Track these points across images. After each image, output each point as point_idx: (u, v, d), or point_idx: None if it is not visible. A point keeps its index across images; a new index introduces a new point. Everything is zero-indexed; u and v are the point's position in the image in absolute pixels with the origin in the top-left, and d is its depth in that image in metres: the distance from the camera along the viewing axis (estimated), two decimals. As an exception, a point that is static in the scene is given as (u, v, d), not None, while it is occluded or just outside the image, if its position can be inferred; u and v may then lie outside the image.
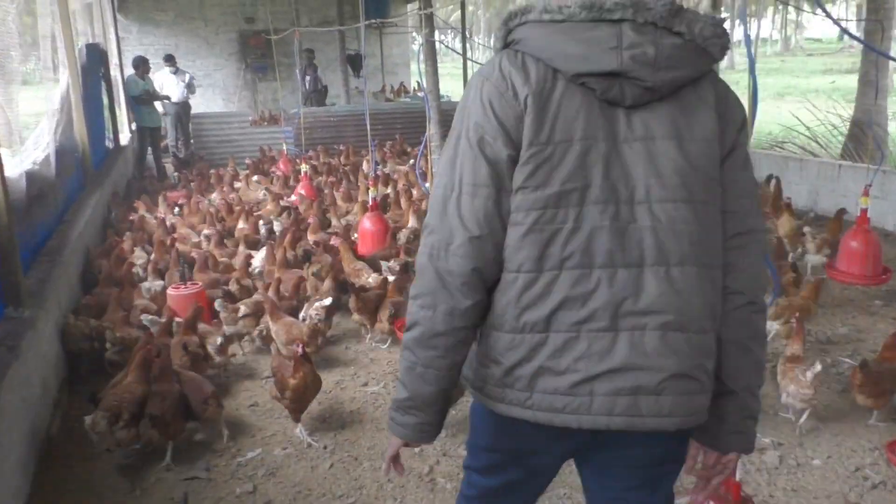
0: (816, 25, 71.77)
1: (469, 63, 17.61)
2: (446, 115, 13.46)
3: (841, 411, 4.28)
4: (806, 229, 6.62)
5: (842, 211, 6.96)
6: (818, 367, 3.98)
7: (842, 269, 5.80)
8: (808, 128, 11.87)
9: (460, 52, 16.74)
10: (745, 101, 1.96)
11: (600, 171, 1.66)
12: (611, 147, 1.67)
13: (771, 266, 2.33)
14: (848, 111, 12.30)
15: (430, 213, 1.75)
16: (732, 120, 1.74)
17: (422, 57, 9.42)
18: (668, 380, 1.65)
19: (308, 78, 15.28)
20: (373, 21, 13.01)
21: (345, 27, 15.67)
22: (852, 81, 30.41)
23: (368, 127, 7.27)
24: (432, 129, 9.71)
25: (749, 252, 1.75)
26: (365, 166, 11.02)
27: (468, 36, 20.29)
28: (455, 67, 43.28)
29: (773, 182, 8.22)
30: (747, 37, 2.13)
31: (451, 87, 28.29)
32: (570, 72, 1.67)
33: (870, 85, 11.05)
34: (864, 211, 5.76)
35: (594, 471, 1.93)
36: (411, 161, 10.40)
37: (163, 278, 6.15)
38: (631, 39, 1.65)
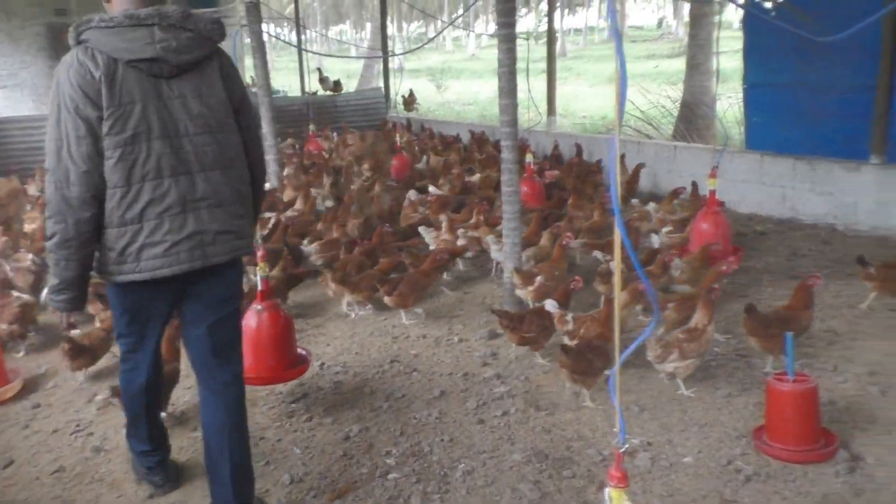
0: (637, 14, 75.93)
1: (305, 55, 16.90)
2: (282, 111, 12.71)
3: (704, 400, 4.16)
4: (651, 206, 6.74)
5: (695, 184, 7.14)
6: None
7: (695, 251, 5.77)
8: (642, 111, 12.18)
9: (295, 43, 16.03)
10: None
11: (156, 118, 2.75)
12: (160, 104, 2.76)
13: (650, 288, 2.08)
14: (677, 93, 12.78)
15: (49, 160, 2.71)
16: (235, 83, 3.02)
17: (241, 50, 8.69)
18: (216, 234, 2.88)
19: (126, 76, 13.93)
20: (196, 11, 12.07)
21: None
22: (674, 65, 32.41)
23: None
24: (265, 128, 9.01)
25: (258, 158, 3.22)
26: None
27: (303, 27, 19.46)
28: (292, 61, 42.17)
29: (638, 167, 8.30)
30: (615, 30, 1.87)
31: (290, 81, 27.28)
32: (124, 59, 2.69)
33: (697, 68, 11.48)
34: (713, 193, 5.76)
35: (192, 303, 3.03)
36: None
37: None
38: (160, 36, 2.73)
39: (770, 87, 8.23)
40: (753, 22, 8.29)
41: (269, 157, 9.24)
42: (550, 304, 4.62)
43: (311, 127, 11.85)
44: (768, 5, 7.99)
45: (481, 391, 4.40)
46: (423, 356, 4.95)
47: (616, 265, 2.33)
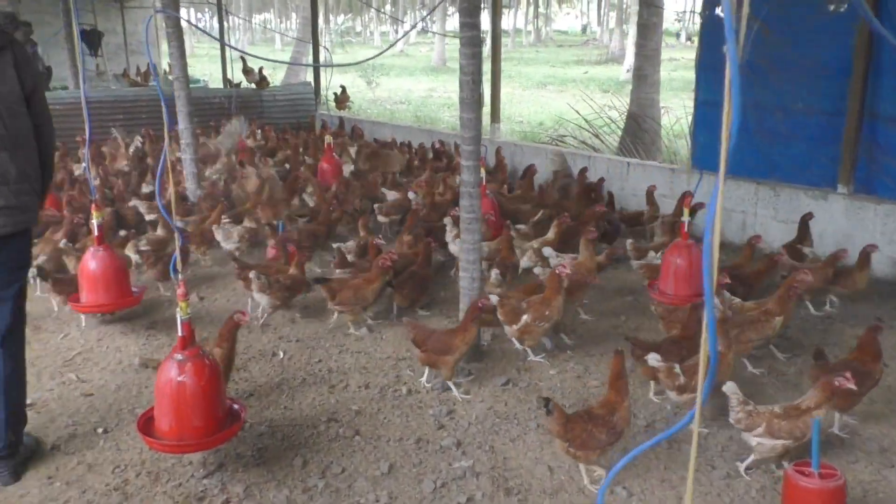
0: (562, 19, 76.66)
1: (229, 41, 15.74)
2: (201, 104, 11.66)
3: (700, 481, 3.55)
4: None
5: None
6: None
7: (665, 289, 5.20)
8: (587, 121, 11.68)
9: (211, 30, 14.89)
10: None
11: None
12: None
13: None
14: (611, 101, 12.37)
15: None
16: (28, 73, 3.45)
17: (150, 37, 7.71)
18: (1, 209, 3.39)
19: (24, 57, 12.49)
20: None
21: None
22: (604, 72, 32.46)
23: (87, 116, 5.34)
24: (182, 124, 8.02)
25: (48, 143, 3.68)
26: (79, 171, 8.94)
27: (226, 13, 18.27)
28: (214, 47, 40.35)
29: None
30: (734, 61, 1.47)
31: (211, 70, 25.81)
32: None
33: (644, 80, 11.05)
34: (684, 225, 5.20)
35: None
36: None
37: None
38: None
39: (720, 107, 7.79)
40: (710, 35, 7.84)
41: (187, 157, 8.27)
42: (653, 359, 3.89)
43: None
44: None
45: (438, 466, 3.66)
46: (367, 413, 4.18)
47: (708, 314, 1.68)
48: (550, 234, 6.10)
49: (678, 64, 34.28)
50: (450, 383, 4.38)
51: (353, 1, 59.74)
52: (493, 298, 4.71)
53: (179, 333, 3.48)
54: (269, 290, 5.25)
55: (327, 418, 4.12)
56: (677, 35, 57.97)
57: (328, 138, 9.69)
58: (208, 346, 3.93)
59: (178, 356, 3.46)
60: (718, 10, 7.31)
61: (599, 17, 64.70)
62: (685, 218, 5.20)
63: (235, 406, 3.78)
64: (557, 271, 4.67)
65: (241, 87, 13.95)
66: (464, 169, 4.62)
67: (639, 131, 10.81)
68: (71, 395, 4.41)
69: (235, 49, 11.44)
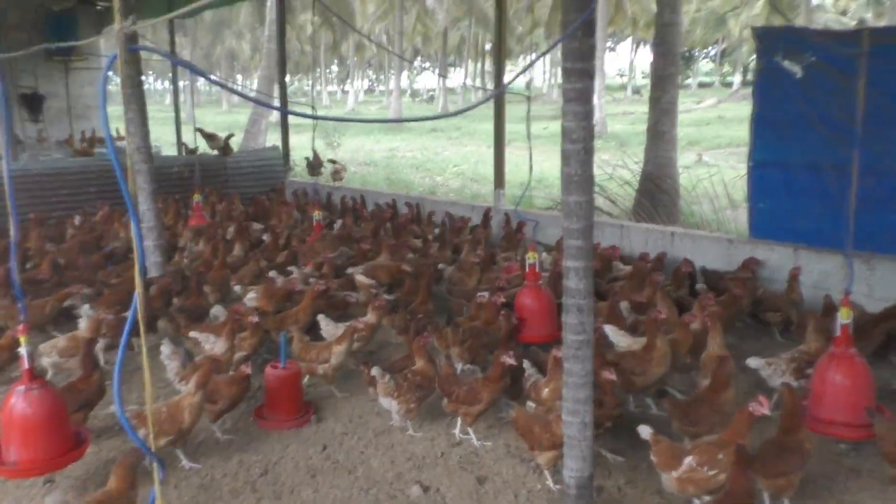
0: (505, 75, 77.49)
1: (182, 104, 14.34)
2: (158, 173, 10.16)
3: None
4: None
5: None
6: None
7: (821, 415, 3.90)
8: (599, 185, 10.55)
9: (154, 93, 13.53)
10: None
11: None
12: None
13: None
14: (629, 159, 11.35)
15: None
16: None
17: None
18: None
19: (-52, 125, 10.85)
20: (51, 46, 9.36)
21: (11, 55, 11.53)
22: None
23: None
24: (144, 204, 6.55)
25: None
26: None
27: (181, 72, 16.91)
28: (160, 109, 38.73)
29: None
30: None
31: (159, 134, 24.10)
32: None
33: (660, 136, 10.01)
34: (846, 328, 3.94)
35: None
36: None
37: None
38: None
39: (785, 168, 6.72)
40: (768, 85, 6.79)
41: (149, 243, 6.78)
42: None
43: (197, 197, 9.38)
44: (794, 67, 6.47)
45: None
46: None
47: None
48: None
49: (635, 118, 34.13)
50: None
51: (301, 62, 59.43)
52: (645, 431, 3.41)
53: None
54: (396, 392, 4.18)
55: None
56: (624, 88, 59.08)
57: (317, 215, 8.32)
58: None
59: None
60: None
61: (543, 75, 65.76)
62: (845, 320, 3.93)
63: None
64: (751, 409, 3.36)
65: (199, 153, 12.51)
66: (569, 272, 3.29)
67: (657, 192, 9.71)
68: None
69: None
